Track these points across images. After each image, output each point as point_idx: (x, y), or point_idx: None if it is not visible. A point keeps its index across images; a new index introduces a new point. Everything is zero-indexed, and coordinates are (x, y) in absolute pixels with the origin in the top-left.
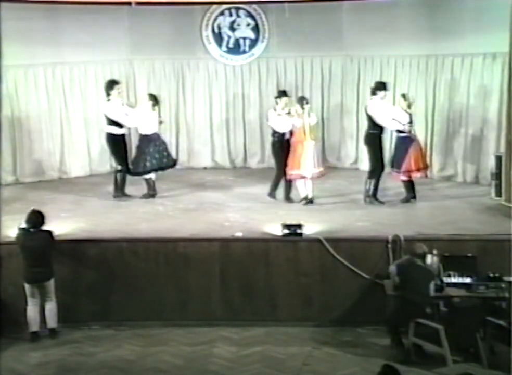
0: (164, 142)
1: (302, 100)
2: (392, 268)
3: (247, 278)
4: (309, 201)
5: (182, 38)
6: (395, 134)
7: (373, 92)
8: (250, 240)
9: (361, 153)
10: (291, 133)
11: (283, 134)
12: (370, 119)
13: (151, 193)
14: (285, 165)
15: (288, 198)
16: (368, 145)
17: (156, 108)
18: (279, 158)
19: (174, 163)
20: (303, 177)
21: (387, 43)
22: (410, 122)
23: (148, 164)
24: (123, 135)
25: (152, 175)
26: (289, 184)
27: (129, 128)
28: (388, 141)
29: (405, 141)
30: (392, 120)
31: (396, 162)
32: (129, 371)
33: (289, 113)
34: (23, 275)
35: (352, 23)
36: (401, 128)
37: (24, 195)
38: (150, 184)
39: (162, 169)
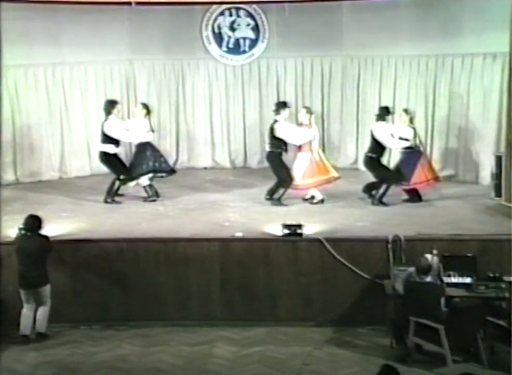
0: (159, 151)
1: (310, 110)
2: (398, 286)
3: (247, 278)
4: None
5: (182, 38)
6: (399, 150)
7: (380, 118)
8: (250, 240)
9: (361, 153)
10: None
11: (286, 146)
12: (375, 142)
13: (153, 198)
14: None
15: (271, 198)
16: (370, 168)
17: (147, 116)
18: (285, 168)
19: (171, 170)
20: (335, 178)
21: (387, 43)
22: (415, 136)
23: (144, 166)
24: (115, 154)
25: (147, 181)
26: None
27: (120, 145)
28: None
29: (413, 155)
30: (400, 139)
31: (406, 176)
32: (129, 371)
33: (301, 124)
34: (17, 280)
35: (352, 23)
36: (409, 144)
37: (24, 195)
38: (148, 191)
39: (160, 171)
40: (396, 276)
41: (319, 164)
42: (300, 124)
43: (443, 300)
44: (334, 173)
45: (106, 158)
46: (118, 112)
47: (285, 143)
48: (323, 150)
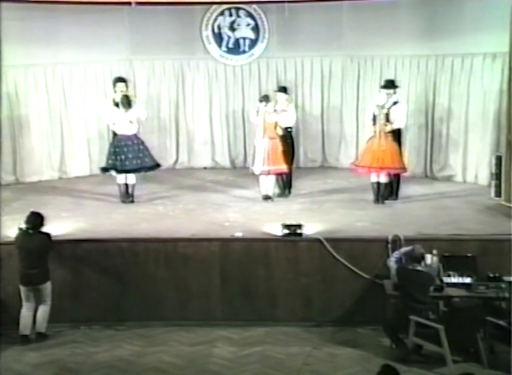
0: (122, 146)
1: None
2: (392, 265)
3: (247, 278)
4: (268, 197)
5: (182, 38)
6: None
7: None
8: (250, 240)
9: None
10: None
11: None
12: None
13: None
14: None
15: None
16: None
17: (130, 109)
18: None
19: (127, 170)
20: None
21: (387, 43)
22: (373, 121)
23: (105, 161)
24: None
25: (121, 180)
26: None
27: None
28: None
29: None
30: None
31: None
32: (129, 371)
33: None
34: (18, 277)
35: (352, 23)
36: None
37: (24, 195)
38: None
39: (113, 170)
40: (389, 261)
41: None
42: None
43: (431, 288)
44: (255, 169)
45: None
46: (122, 91)
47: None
48: (323, 150)
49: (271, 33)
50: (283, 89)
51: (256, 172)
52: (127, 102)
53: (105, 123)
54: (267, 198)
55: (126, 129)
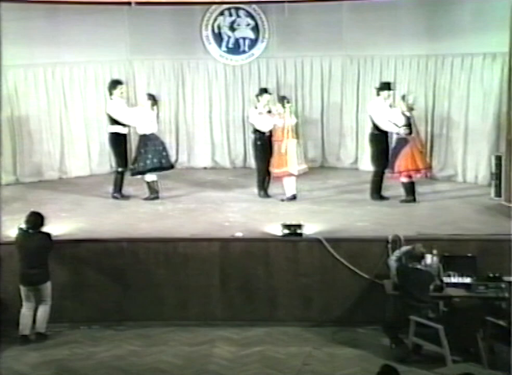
0: (162, 143)
1: (283, 100)
2: (392, 264)
3: (247, 278)
4: (293, 197)
5: (182, 38)
6: (394, 135)
7: (377, 93)
8: (249, 240)
9: (361, 153)
10: (271, 132)
11: (264, 133)
12: (372, 119)
13: (155, 195)
14: (268, 163)
15: (266, 195)
16: (371, 145)
17: (154, 107)
18: (261, 156)
19: (171, 165)
20: (291, 174)
21: (387, 43)
22: (407, 125)
23: (148, 162)
24: (125, 135)
25: (153, 177)
26: (268, 181)
27: (129, 128)
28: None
29: (400, 142)
30: (388, 122)
31: (391, 164)
32: (129, 371)
33: (269, 111)
34: (18, 277)
35: (352, 23)
36: (396, 130)
37: (24, 195)
38: (152, 187)
39: (161, 169)
40: (389, 260)
41: (281, 155)
42: (269, 112)
43: (431, 287)
44: (290, 169)
45: (115, 139)
46: (122, 93)
47: (259, 130)
48: (323, 150)
49: (271, 33)
50: (266, 91)
51: (296, 172)
52: (155, 101)
53: (131, 125)
54: (294, 197)
55: (153, 128)
